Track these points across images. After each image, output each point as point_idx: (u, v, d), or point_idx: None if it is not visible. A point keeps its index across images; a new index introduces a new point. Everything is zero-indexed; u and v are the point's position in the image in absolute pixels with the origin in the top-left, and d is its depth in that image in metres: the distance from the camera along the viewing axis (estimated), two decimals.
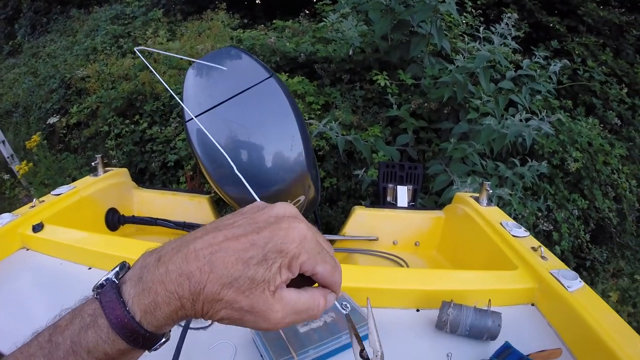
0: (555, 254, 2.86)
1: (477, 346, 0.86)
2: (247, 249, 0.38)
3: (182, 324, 0.84)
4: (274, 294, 0.39)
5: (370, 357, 0.44)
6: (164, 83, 0.75)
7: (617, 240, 3.40)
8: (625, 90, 4.04)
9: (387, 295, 0.95)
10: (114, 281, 0.40)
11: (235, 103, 1.07)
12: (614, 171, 3.45)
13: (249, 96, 1.07)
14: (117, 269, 0.41)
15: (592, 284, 3.01)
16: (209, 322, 0.88)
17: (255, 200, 0.59)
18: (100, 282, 0.40)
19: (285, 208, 0.42)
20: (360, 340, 0.45)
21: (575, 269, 3.03)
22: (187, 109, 0.84)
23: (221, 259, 0.37)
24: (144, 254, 0.41)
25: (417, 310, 0.96)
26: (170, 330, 0.42)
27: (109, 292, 0.39)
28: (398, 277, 1.02)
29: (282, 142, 1.06)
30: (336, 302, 0.46)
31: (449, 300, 0.89)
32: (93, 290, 0.41)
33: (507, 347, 0.83)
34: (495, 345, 0.84)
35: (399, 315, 0.94)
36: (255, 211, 0.42)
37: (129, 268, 0.42)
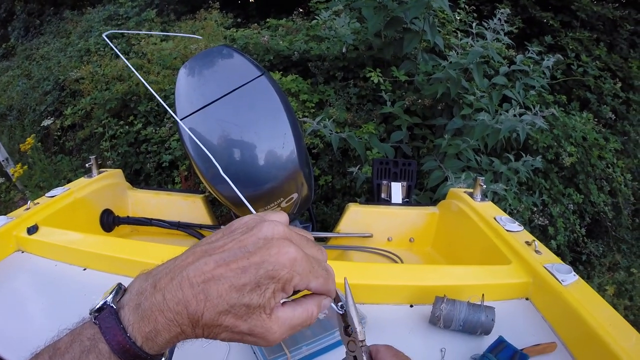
0: (551, 248, 2.87)
1: (471, 341, 0.86)
2: (239, 276, 0.38)
3: None
4: (270, 316, 0.40)
5: (351, 333, 0.47)
6: (140, 77, 0.75)
7: (613, 234, 3.42)
8: (619, 84, 4.05)
9: (380, 291, 0.95)
10: (112, 306, 0.40)
11: (226, 102, 1.07)
12: (609, 165, 3.46)
13: (241, 94, 1.07)
14: (114, 292, 0.42)
15: (588, 278, 3.02)
16: None
17: (244, 203, 0.60)
18: (98, 305, 0.41)
19: (273, 228, 0.42)
20: (344, 318, 0.48)
21: (571, 263, 3.06)
22: (170, 111, 0.84)
23: (215, 287, 0.38)
24: (139, 276, 0.42)
25: (411, 306, 0.96)
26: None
27: (108, 318, 0.39)
28: (391, 273, 1.02)
29: (274, 140, 1.06)
30: (332, 304, 0.47)
31: (442, 295, 0.89)
32: (90, 314, 0.41)
33: (500, 341, 0.83)
34: (489, 340, 0.84)
35: (393, 311, 0.94)
36: (244, 232, 0.42)
37: (125, 291, 0.42)
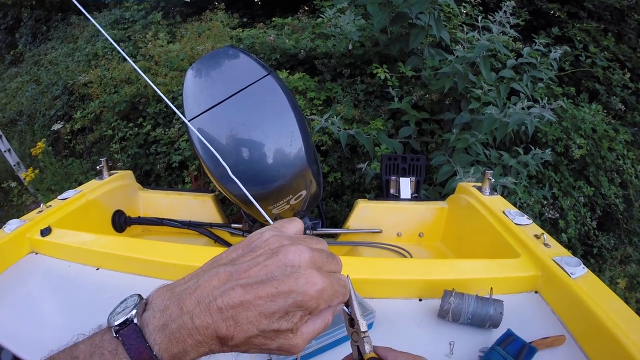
0: (561, 241, 2.85)
1: (480, 334, 0.87)
2: (268, 305, 0.39)
3: None
4: (296, 333, 0.42)
5: (355, 325, 0.50)
6: (149, 80, 0.76)
7: (624, 227, 3.38)
8: (628, 75, 4.00)
9: (389, 285, 0.96)
10: (135, 324, 0.41)
11: (234, 102, 1.08)
12: (619, 157, 3.42)
13: (248, 94, 1.08)
14: (134, 307, 0.42)
15: (599, 271, 3.00)
16: None
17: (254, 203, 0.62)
18: (120, 320, 0.41)
19: (300, 255, 0.42)
20: (353, 310, 0.50)
21: (582, 257, 3.03)
22: (178, 112, 0.85)
23: (244, 314, 0.39)
24: (159, 291, 0.43)
25: (420, 300, 0.96)
26: None
27: (132, 335, 0.40)
28: (400, 267, 1.02)
29: (282, 139, 1.07)
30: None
31: (451, 289, 0.89)
32: (111, 327, 0.41)
33: (509, 334, 0.83)
34: (497, 333, 0.85)
35: (402, 305, 0.95)
36: (269, 255, 0.42)
37: (145, 305, 0.43)
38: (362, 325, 0.50)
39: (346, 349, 0.54)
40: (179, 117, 3.47)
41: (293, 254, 0.42)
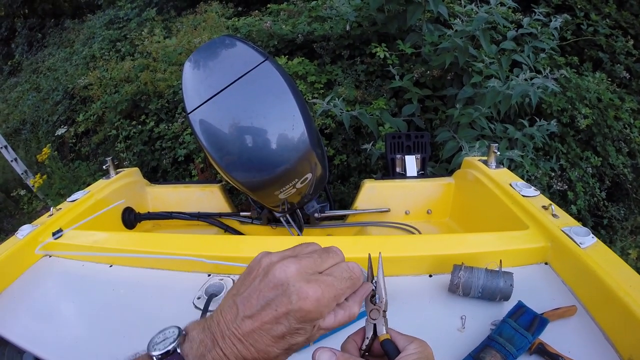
0: (571, 213, 2.84)
1: (491, 307, 0.87)
2: (275, 328, 0.43)
3: (201, 307, 0.87)
4: (316, 335, 0.46)
5: (377, 302, 0.51)
6: None
7: (634, 197, 3.34)
8: (632, 42, 3.92)
9: (400, 263, 0.96)
10: (179, 353, 0.45)
11: (233, 90, 1.08)
12: (626, 126, 3.37)
13: (246, 81, 1.08)
14: (176, 339, 0.46)
15: (610, 242, 2.98)
16: None
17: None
18: (162, 350, 0.45)
19: (285, 271, 0.45)
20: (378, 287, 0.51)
21: (593, 228, 3.02)
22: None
23: (260, 340, 0.43)
24: (195, 326, 0.47)
25: (430, 276, 0.96)
26: None
27: None
28: (409, 244, 1.02)
29: (284, 123, 1.07)
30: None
31: (460, 263, 0.89)
32: (152, 356, 0.45)
33: (520, 306, 0.83)
34: (508, 306, 0.85)
35: (413, 282, 0.95)
36: (262, 279, 0.46)
37: (184, 337, 0.46)
38: (385, 304, 0.50)
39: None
40: (182, 110, 3.48)
41: (279, 271, 0.45)
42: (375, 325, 0.50)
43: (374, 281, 0.51)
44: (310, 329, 0.44)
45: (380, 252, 0.50)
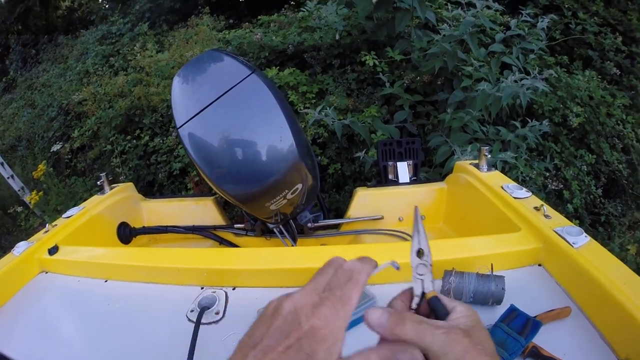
0: (568, 212, 2.84)
1: (484, 312, 0.86)
2: (287, 354, 0.39)
3: (194, 319, 0.87)
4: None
5: (423, 256, 0.50)
6: None
7: (630, 192, 3.36)
8: (620, 38, 3.96)
9: (391, 270, 0.95)
10: None
11: (221, 104, 1.09)
12: (619, 122, 3.40)
13: (234, 95, 1.09)
14: None
15: (609, 238, 2.98)
16: (220, 316, 0.91)
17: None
18: None
19: (292, 300, 0.43)
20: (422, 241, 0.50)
21: (590, 226, 3.02)
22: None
23: None
24: None
25: None
26: None
27: None
28: (399, 251, 1.02)
29: (272, 135, 1.07)
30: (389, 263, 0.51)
31: (451, 269, 0.89)
32: None
33: (512, 310, 0.83)
34: (502, 310, 0.84)
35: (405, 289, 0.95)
36: (273, 314, 0.43)
37: None
38: (430, 258, 0.49)
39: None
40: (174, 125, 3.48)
41: (287, 303, 0.43)
42: (422, 280, 0.49)
43: (417, 232, 0.50)
44: (322, 352, 0.40)
45: (416, 206, 0.49)
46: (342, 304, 0.43)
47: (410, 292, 0.50)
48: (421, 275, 0.49)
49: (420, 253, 0.49)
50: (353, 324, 0.48)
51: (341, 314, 0.42)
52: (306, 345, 0.40)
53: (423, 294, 0.48)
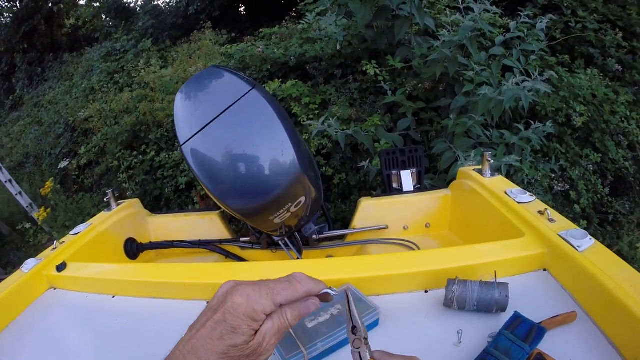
0: (575, 212, 2.81)
1: (488, 320, 0.86)
2: (215, 329, 0.46)
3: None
4: (256, 338, 0.48)
5: (357, 332, 0.53)
6: None
7: (638, 189, 3.32)
8: (621, 34, 3.94)
9: (394, 281, 0.96)
10: None
11: (223, 120, 1.10)
12: (623, 119, 3.37)
13: (235, 111, 1.10)
14: None
15: (617, 237, 2.95)
16: None
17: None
18: None
19: (227, 283, 0.50)
20: (351, 319, 0.54)
21: (599, 225, 2.99)
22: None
23: (201, 347, 0.46)
24: None
25: (426, 292, 0.96)
26: None
27: None
28: (403, 261, 1.02)
29: (273, 149, 1.09)
30: (331, 291, 0.54)
31: (454, 277, 0.89)
32: None
33: (517, 317, 0.82)
34: (506, 317, 0.83)
35: (408, 299, 0.95)
36: (211, 300, 0.51)
37: None
38: (364, 332, 0.52)
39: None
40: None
41: (223, 286, 0.50)
42: (359, 354, 0.52)
43: (350, 311, 0.54)
44: (247, 329, 0.46)
45: (348, 285, 0.52)
46: (268, 291, 0.48)
47: None
48: (357, 348, 0.53)
49: (354, 330, 0.53)
50: (347, 340, 0.53)
51: (263, 299, 0.48)
52: (230, 319, 0.46)
53: None
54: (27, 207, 4.13)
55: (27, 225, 3.85)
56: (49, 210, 3.43)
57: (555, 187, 2.89)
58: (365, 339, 0.52)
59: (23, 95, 7.94)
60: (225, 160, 1.10)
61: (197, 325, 0.48)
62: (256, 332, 0.47)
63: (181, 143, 1.15)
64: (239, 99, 1.11)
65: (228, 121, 1.10)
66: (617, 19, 4.17)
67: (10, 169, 5.18)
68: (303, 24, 3.84)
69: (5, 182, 4.05)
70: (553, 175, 2.95)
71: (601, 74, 3.64)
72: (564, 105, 3.19)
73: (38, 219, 3.53)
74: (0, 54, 9.03)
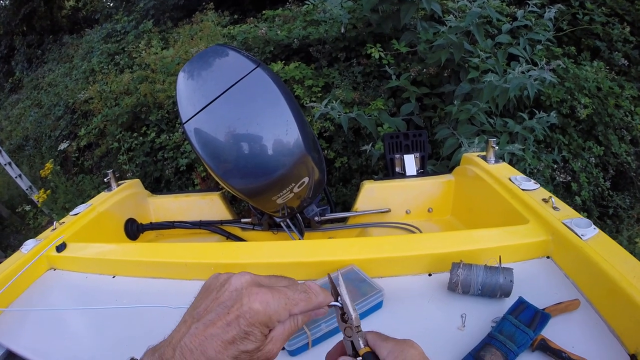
0: (576, 204, 2.81)
1: (491, 304, 0.86)
2: (226, 331, 0.44)
3: None
4: (266, 344, 0.46)
5: (348, 320, 0.51)
6: None
7: (639, 184, 3.32)
8: (628, 29, 3.89)
9: (398, 263, 0.96)
10: None
11: (227, 98, 1.09)
12: (627, 113, 3.35)
13: (239, 89, 1.08)
14: None
15: (617, 231, 2.95)
16: None
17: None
18: None
19: (240, 279, 0.47)
20: (344, 305, 0.52)
21: (598, 218, 2.99)
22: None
23: (210, 346, 0.43)
24: (147, 352, 0.48)
25: (429, 275, 0.96)
26: None
27: None
28: (407, 244, 1.02)
29: (278, 128, 1.07)
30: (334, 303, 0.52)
31: (459, 261, 0.89)
32: None
33: (521, 302, 0.82)
34: (510, 302, 0.84)
35: (412, 282, 0.95)
36: (219, 289, 0.47)
37: None
38: (355, 320, 0.51)
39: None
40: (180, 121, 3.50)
41: (235, 279, 0.47)
42: (352, 342, 0.51)
43: (339, 299, 0.52)
44: (260, 336, 0.45)
45: (339, 271, 0.50)
46: (287, 301, 0.46)
47: (340, 348, 0.52)
48: (349, 337, 0.51)
49: (344, 318, 0.51)
50: (339, 329, 0.51)
51: (281, 308, 0.46)
52: (244, 324, 0.44)
53: (356, 353, 0.50)
54: (26, 189, 4.12)
55: (27, 208, 3.84)
56: (48, 192, 3.42)
57: (557, 178, 2.88)
58: (357, 326, 0.51)
59: (22, 78, 7.85)
60: (229, 139, 1.08)
61: (203, 318, 0.45)
62: (266, 335, 0.46)
63: (183, 121, 1.13)
64: (243, 77, 1.09)
65: (232, 99, 1.08)
66: (625, 13, 4.12)
67: (9, 151, 5.15)
68: (308, 5, 3.78)
69: (5, 164, 4.02)
70: (555, 166, 2.94)
71: (607, 67, 3.61)
72: (569, 97, 3.17)
73: (38, 201, 3.52)
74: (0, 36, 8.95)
